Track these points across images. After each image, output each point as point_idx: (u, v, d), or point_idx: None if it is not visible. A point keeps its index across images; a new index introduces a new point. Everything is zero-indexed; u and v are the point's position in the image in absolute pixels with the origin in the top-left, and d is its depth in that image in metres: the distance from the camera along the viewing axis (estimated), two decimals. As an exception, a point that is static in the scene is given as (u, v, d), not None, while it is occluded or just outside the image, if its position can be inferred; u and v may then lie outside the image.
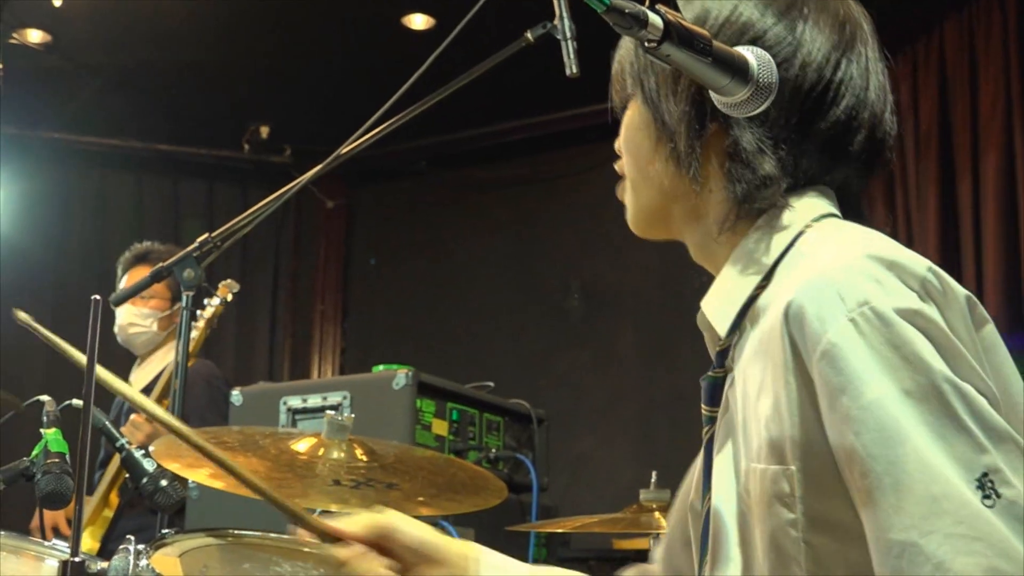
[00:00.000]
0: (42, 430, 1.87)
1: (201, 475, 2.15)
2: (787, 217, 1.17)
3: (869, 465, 1.00)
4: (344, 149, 2.19)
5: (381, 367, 3.11)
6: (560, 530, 3.05)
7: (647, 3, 1.11)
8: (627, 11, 1.07)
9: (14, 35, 4.65)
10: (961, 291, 1.08)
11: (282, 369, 6.20)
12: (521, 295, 5.77)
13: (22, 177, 5.37)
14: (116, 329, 3.82)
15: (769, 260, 1.17)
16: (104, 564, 1.66)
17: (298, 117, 5.67)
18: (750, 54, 1.15)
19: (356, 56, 5.02)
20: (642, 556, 2.32)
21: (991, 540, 0.96)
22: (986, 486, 0.97)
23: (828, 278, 1.05)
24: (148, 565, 1.79)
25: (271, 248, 6.20)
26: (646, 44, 1.09)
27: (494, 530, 2.83)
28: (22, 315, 1.41)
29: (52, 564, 1.87)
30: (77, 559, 1.11)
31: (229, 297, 3.23)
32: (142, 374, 3.85)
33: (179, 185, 6.08)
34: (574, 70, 1.91)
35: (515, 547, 3.09)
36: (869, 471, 0.99)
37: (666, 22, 1.08)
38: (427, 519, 2.85)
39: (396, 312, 6.14)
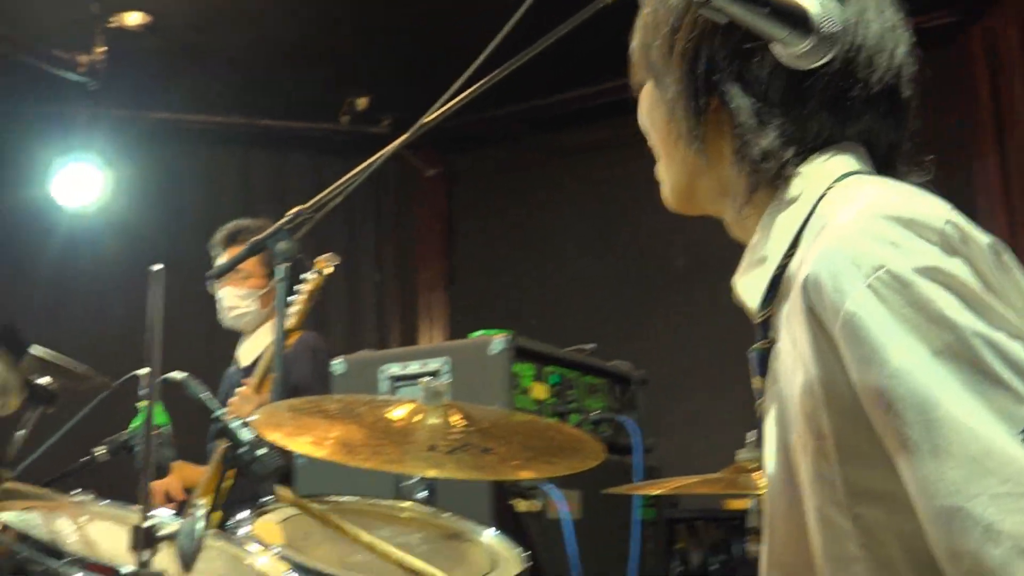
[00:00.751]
0: (139, 404, 1.94)
1: (302, 444, 2.20)
2: (799, 185, 1.15)
3: (906, 433, 0.97)
4: (428, 117, 2.20)
5: (479, 333, 3.13)
6: (658, 492, 3.03)
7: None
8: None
9: (111, 19, 4.76)
10: (984, 238, 1.04)
11: (391, 338, 6.26)
12: (624, 256, 5.76)
13: (131, 158, 5.52)
14: (221, 314, 3.93)
15: (792, 229, 1.14)
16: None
17: (395, 88, 5.70)
18: (814, 1, 1.12)
19: (450, 24, 5.03)
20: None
21: None
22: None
23: (842, 245, 1.03)
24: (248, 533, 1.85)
25: (373, 220, 6.30)
26: (697, -2, 1.08)
27: (598, 492, 2.84)
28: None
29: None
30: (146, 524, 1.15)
31: (327, 270, 3.26)
32: (248, 350, 3.94)
33: (284, 159, 6.19)
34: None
35: (620, 509, 3.10)
36: (907, 439, 0.97)
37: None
38: (529, 482, 2.90)
39: (501, 277, 6.15)
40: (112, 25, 4.85)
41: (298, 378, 3.59)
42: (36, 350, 1.87)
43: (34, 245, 5.48)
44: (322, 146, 6.16)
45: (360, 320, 6.25)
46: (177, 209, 5.79)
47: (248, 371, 3.71)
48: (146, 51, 5.13)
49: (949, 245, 1.00)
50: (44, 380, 1.17)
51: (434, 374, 2.99)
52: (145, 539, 1.44)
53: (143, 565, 1.44)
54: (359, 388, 3.13)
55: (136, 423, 1.90)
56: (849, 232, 1.03)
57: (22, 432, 1.21)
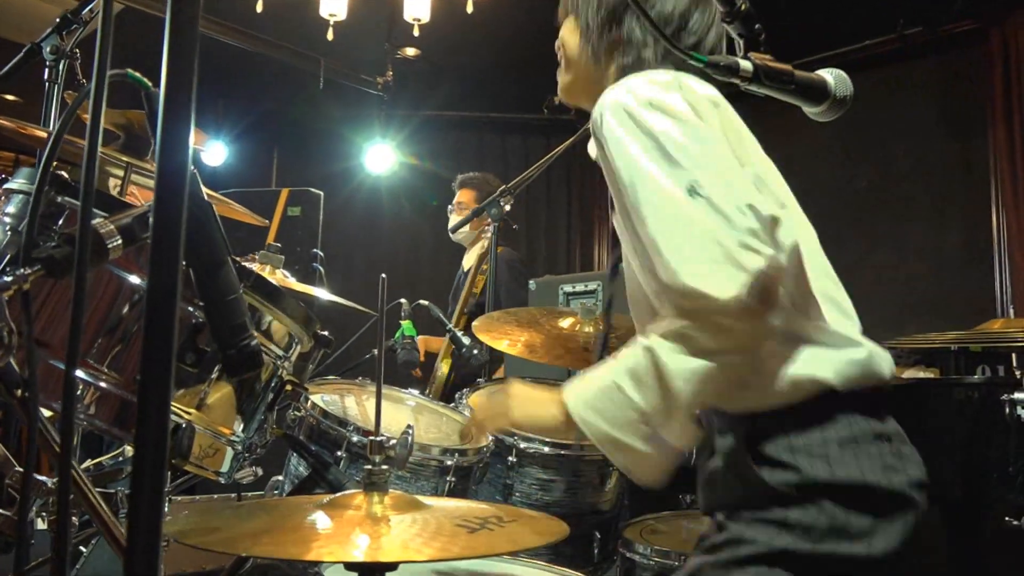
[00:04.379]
0: (400, 321, 2.06)
1: (502, 344, 2.19)
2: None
3: (631, 202, 1.04)
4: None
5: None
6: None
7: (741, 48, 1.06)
8: (722, 64, 1.03)
9: (397, 54, 4.89)
10: (703, 90, 1.08)
11: (575, 265, 6.16)
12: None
13: (411, 142, 5.72)
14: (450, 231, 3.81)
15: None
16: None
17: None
18: (829, 75, 1.08)
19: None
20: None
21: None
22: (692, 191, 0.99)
23: (605, 97, 1.09)
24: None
25: (565, 182, 6.23)
26: (741, 84, 1.05)
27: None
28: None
29: (410, 403, 2.03)
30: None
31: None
32: (467, 259, 3.85)
33: (505, 140, 6.20)
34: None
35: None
36: (633, 206, 1.03)
37: (755, 67, 1.03)
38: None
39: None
40: (397, 57, 4.98)
41: (500, 282, 3.41)
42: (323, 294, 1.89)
43: (349, 198, 5.68)
44: (531, 130, 6.12)
45: (556, 251, 6.22)
46: (437, 176, 5.92)
47: (467, 274, 3.67)
48: (418, 72, 5.25)
49: (669, 87, 1.06)
50: (324, 332, 1.22)
51: (592, 293, 2.98)
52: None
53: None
54: (547, 302, 3.09)
55: (398, 334, 2.02)
56: (615, 88, 1.10)
57: (311, 367, 1.29)
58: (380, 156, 5.55)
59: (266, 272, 1.73)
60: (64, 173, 1.00)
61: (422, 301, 2.05)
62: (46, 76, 1.81)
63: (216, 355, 1.01)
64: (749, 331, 0.99)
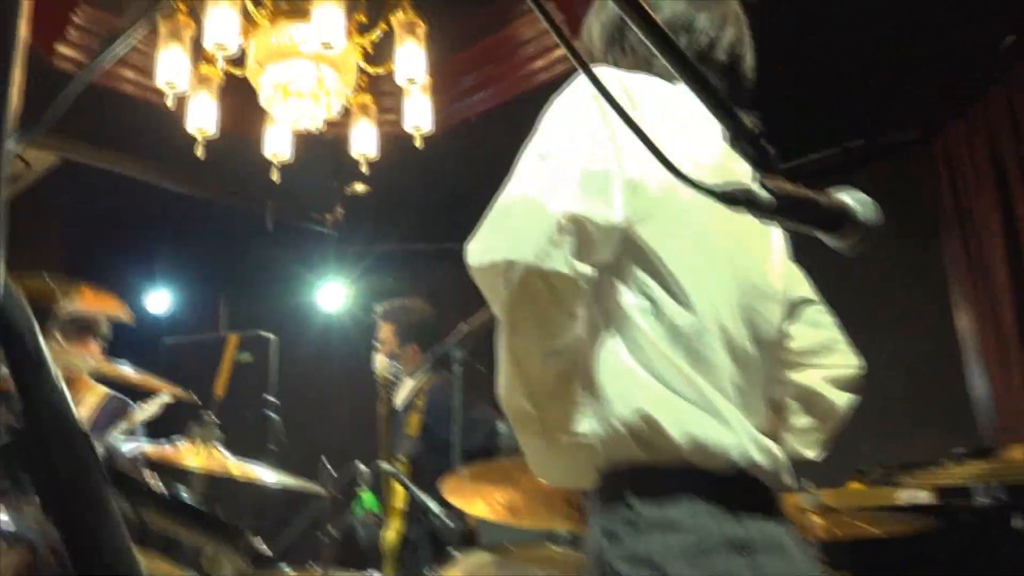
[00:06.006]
0: (359, 491, 1.80)
1: (478, 508, 1.91)
2: None
3: None
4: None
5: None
6: None
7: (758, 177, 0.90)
8: (740, 198, 0.87)
9: (345, 190, 4.80)
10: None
11: None
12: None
13: (364, 277, 5.56)
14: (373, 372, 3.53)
15: None
16: None
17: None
18: (849, 199, 0.92)
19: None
20: None
21: None
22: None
23: None
24: None
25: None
26: (763, 216, 0.89)
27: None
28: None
29: None
30: None
31: None
32: (398, 396, 3.48)
33: (463, 270, 6.07)
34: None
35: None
36: None
37: (777, 198, 0.87)
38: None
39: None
40: (347, 193, 4.89)
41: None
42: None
43: (301, 338, 5.47)
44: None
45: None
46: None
47: (406, 410, 3.35)
48: (368, 207, 5.16)
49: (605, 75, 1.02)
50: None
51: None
52: None
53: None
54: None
55: (357, 509, 1.76)
56: None
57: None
58: (333, 294, 5.36)
59: (202, 452, 1.48)
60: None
61: (383, 464, 1.80)
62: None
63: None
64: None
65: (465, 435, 3.01)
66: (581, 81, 1.07)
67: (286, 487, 1.50)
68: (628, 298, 0.97)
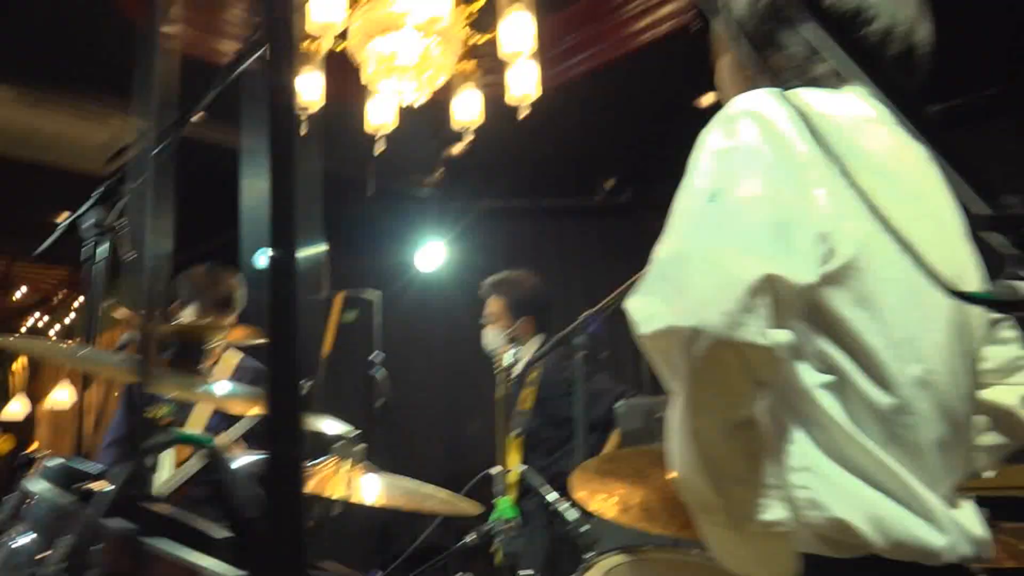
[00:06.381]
0: (493, 499, 1.75)
1: (607, 508, 1.69)
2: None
3: None
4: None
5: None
6: None
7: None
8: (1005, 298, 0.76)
9: (444, 150, 4.73)
10: (778, 125, 0.88)
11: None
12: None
13: (463, 235, 5.54)
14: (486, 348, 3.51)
15: None
16: None
17: (632, 169, 5.42)
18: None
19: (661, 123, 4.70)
20: None
21: None
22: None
23: None
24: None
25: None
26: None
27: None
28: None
29: None
30: None
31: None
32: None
33: (560, 226, 5.97)
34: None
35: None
36: None
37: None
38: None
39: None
40: (446, 154, 4.83)
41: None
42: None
43: (402, 297, 5.44)
44: (588, 215, 5.88)
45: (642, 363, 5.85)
46: (492, 268, 5.72)
47: (518, 385, 3.29)
48: (467, 166, 5.09)
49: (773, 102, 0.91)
50: None
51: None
52: None
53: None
54: (637, 434, 2.63)
55: (493, 516, 1.73)
56: None
57: None
58: (432, 253, 5.37)
59: (343, 470, 1.48)
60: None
61: (517, 467, 1.74)
62: (83, 255, 1.60)
63: None
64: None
65: (587, 408, 2.99)
66: (748, 102, 0.92)
67: (433, 512, 1.47)
68: (809, 374, 0.84)
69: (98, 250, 1.58)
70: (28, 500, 0.88)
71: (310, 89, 3.08)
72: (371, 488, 1.43)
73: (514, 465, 2.65)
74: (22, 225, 6.63)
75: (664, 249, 0.85)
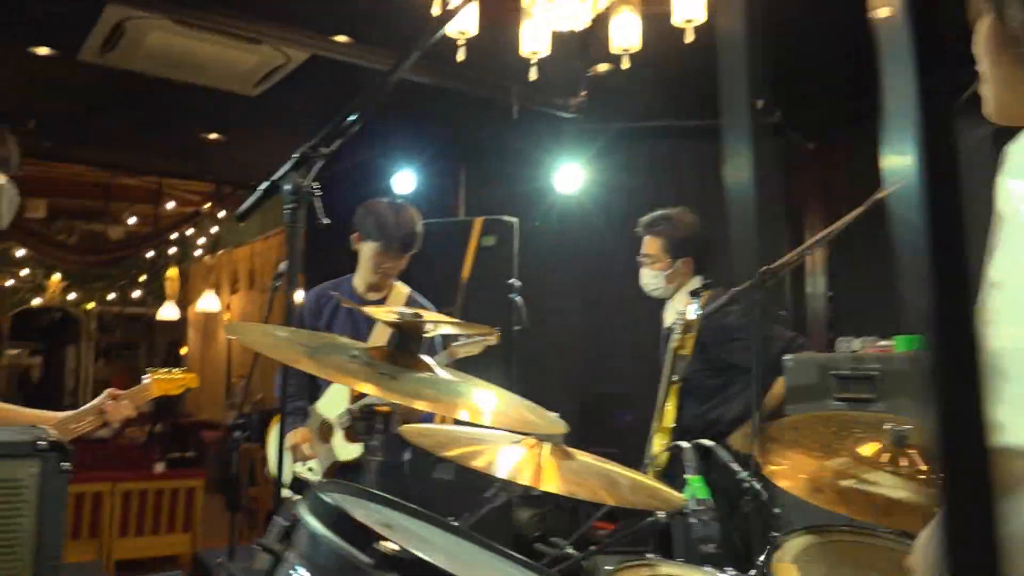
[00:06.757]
0: (686, 475, 1.70)
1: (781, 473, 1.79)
2: None
3: None
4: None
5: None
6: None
7: None
8: None
9: (588, 72, 4.57)
10: None
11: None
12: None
13: (601, 156, 5.40)
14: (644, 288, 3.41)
15: None
16: None
17: (781, 89, 5.06)
18: None
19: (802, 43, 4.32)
20: None
21: None
22: None
23: None
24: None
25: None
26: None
27: None
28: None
29: None
30: None
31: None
32: (668, 314, 3.31)
33: (701, 149, 5.69)
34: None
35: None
36: None
37: None
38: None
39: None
40: (589, 75, 4.66)
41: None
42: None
43: (539, 218, 5.41)
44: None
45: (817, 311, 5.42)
46: (630, 189, 5.55)
47: (669, 332, 3.14)
48: (608, 86, 4.90)
49: None
50: None
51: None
52: None
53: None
54: (804, 392, 2.49)
55: (688, 493, 1.67)
56: None
57: None
58: (570, 176, 5.26)
59: (543, 452, 1.44)
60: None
61: (704, 441, 1.67)
62: (285, 218, 1.63)
63: None
64: None
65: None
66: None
67: (637, 506, 1.41)
68: None
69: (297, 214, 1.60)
70: (298, 525, 0.89)
71: (466, 16, 2.98)
72: (574, 477, 1.40)
73: (671, 412, 2.60)
74: (171, 143, 6.93)
75: (1004, 336, 0.69)
